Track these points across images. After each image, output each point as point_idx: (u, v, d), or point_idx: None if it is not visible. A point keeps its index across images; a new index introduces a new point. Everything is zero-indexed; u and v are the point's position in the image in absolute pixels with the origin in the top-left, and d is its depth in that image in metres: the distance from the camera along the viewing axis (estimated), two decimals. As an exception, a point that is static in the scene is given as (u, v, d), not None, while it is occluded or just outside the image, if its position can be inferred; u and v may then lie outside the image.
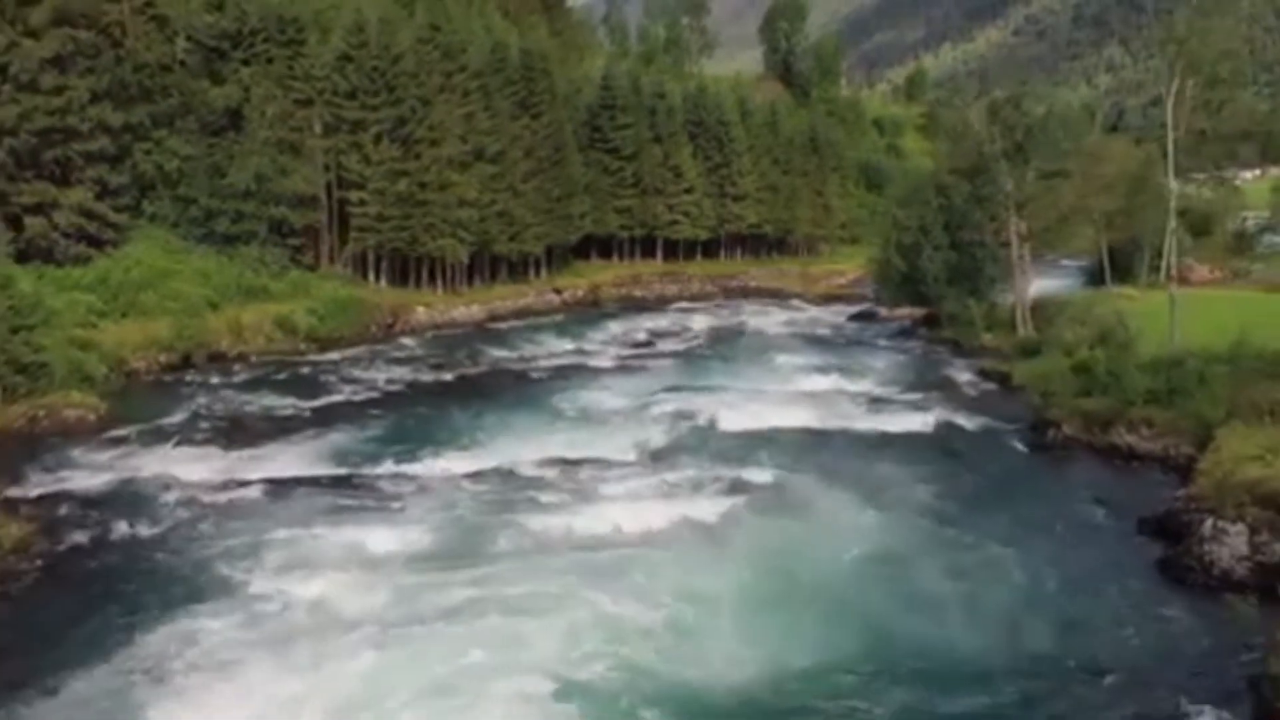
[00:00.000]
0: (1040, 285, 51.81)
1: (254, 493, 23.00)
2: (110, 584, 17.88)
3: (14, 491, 22.82)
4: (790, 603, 16.53)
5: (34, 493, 22.88)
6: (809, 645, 14.91)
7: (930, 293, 40.92)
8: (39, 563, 18.86)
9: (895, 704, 13.37)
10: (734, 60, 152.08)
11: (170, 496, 22.77)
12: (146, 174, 47.13)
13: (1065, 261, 65.66)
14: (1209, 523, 18.21)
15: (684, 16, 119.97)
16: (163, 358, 39.50)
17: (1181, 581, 17.44)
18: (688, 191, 72.21)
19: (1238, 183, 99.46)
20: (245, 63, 50.29)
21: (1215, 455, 20.58)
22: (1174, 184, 32.70)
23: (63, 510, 21.79)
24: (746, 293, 68.56)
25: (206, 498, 22.67)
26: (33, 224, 40.88)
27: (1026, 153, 36.68)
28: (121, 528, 20.77)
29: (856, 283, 68.99)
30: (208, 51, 50.18)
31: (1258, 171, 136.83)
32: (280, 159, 49.24)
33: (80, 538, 20.22)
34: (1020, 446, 26.40)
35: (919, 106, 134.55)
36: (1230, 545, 17.61)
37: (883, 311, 52.11)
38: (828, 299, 64.23)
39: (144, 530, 20.70)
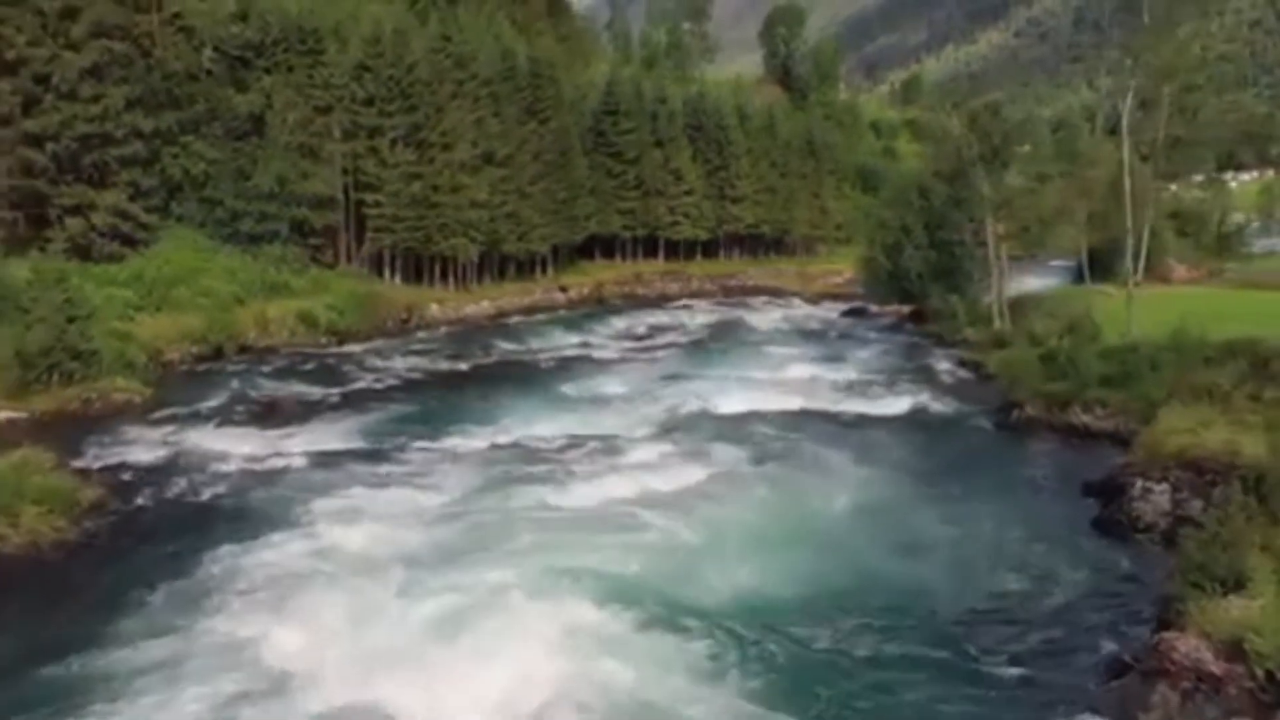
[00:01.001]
0: (1028, 283, 54.48)
1: (295, 462, 25.64)
2: (177, 532, 20.44)
3: (81, 462, 25.37)
4: (779, 542, 19.07)
5: (98, 463, 25.47)
6: (796, 573, 17.46)
7: (912, 289, 43.54)
8: (114, 518, 21.48)
9: (865, 615, 15.92)
10: (735, 63, 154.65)
11: (220, 465, 25.42)
12: (175, 177, 49.74)
13: (1055, 262, 68.22)
14: (1139, 484, 20.82)
15: (685, 22, 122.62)
16: (195, 349, 42.14)
17: (1113, 533, 20.01)
18: (688, 193, 74.89)
19: (1235, 185, 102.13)
20: (268, 71, 52.97)
21: (1153, 429, 23.16)
22: (1129, 185, 35.07)
23: (126, 477, 24.41)
24: (745, 291, 71.21)
25: (253, 466, 25.33)
26: (72, 224, 43.54)
27: (1003, 157, 39.23)
28: (180, 490, 23.46)
29: (851, 282, 71.41)
30: (232, 61, 52.82)
31: (1255, 174, 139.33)
32: (301, 163, 51.97)
33: (146, 498, 22.87)
34: (987, 425, 29.03)
35: (916, 110, 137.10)
36: (1154, 502, 20.22)
37: (873, 308, 54.72)
38: (822, 297, 66.80)
39: (201, 492, 23.37)
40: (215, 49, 52.59)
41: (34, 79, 42.08)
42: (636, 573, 17.15)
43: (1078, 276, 62.86)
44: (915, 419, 29.92)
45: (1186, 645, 14.00)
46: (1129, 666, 14.38)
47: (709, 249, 78.72)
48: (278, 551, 18.80)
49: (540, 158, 62.97)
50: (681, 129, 75.92)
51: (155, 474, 24.70)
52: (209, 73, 52.14)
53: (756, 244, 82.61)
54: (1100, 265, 56.59)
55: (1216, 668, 13.69)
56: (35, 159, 42.31)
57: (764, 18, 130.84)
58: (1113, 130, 61.76)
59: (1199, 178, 76.20)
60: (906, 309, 50.12)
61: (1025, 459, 25.64)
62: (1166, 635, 14.36)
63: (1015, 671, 14.52)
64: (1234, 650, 13.64)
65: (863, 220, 61.11)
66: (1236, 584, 14.64)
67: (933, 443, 27.28)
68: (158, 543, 19.87)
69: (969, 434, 28.45)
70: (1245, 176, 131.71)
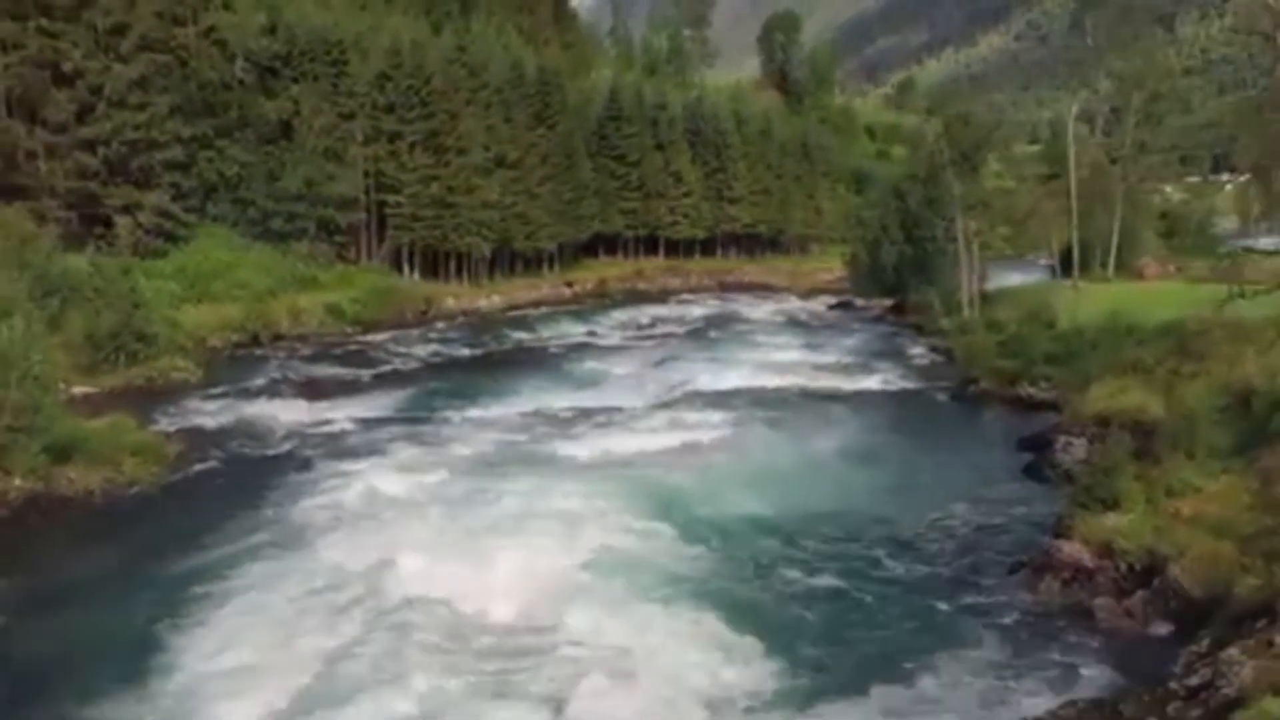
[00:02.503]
0: (1012, 279, 58.20)
1: (341, 426, 29.57)
2: (251, 478, 24.29)
3: (156, 428, 29.25)
4: (761, 481, 22.89)
5: (171, 428, 29.34)
6: (774, 502, 21.34)
7: (889, 282, 47.40)
8: (197, 467, 25.39)
9: (832, 531, 19.75)
10: (736, 67, 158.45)
11: (276, 429, 29.35)
12: (210, 179, 53.67)
13: (1043, 261, 71.97)
14: (1062, 439, 24.72)
15: (686, 29, 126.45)
16: (235, 337, 46.04)
17: (1038, 477, 23.84)
18: (687, 195, 78.84)
19: (1230, 187, 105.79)
20: (295, 80, 56.87)
21: (1083, 397, 27.04)
22: (1073, 187, 38.79)
23: (197, 438, 28.27)
24: (741, 287, 75.12)
25: (304, 430, 29.25)
26: (121, 223, 47.44)
27: (974, 161, 43.05)
28: (246, 447, 27.41)
29: (842, 279, 75.15)
30: (262, 71, 56.67)
31: (1250, 176, 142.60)
32: (327, 166, 55.89)
33: (219, 453, 26.79)
34: (947, 398, 32.93)
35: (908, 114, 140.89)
36: (1072, 452, 24.06)
37: (859, 302, 58.59)
38: (814, 292, 70.58)
39: (264, 449, 27.32)
40: (247, 60, 56.42)
41: (89, 89, 45.96)
42: (639, 502, 21.00)
43: (1061, 273, 66.80)
44: (885, 392, 33.82)
45: (1070, 548, 17.97)
46: (1026, 564, 18.32)
47: (707, 247, 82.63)
48: (336, 493, 22.58)
49: (547, 161, 66.87)
50: (681, 133, 79.85)
51: (221, 435, 28.65)
52: (241, 82, 56.00)
53: (753, 243, 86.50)
54: (1075, 262, 60.46)
55: (1091, 563, 17.65)
56: (88, 163, 46.19)
57: (763, 22, 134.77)
58: (1108, 133, 65.73)
59: (1194, 179, 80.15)
60: (889, 302, 53.97)
61: (976, 423, 29.54)
62: (1056, 541, 18.31)
63: (947, 570, 18.43)
64: (1105, 550, 17.59)
65: (850, 220, 65.03)
66: (1113, 504, 18.55)
67: (898, 410, 31.19)
68: (237, 485, 23.81)
69: (930, 404, 32.36)
70: (1242, 179, 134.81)
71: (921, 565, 18.72)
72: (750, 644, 14.47)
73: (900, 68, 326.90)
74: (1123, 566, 17.39)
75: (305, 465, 25.19)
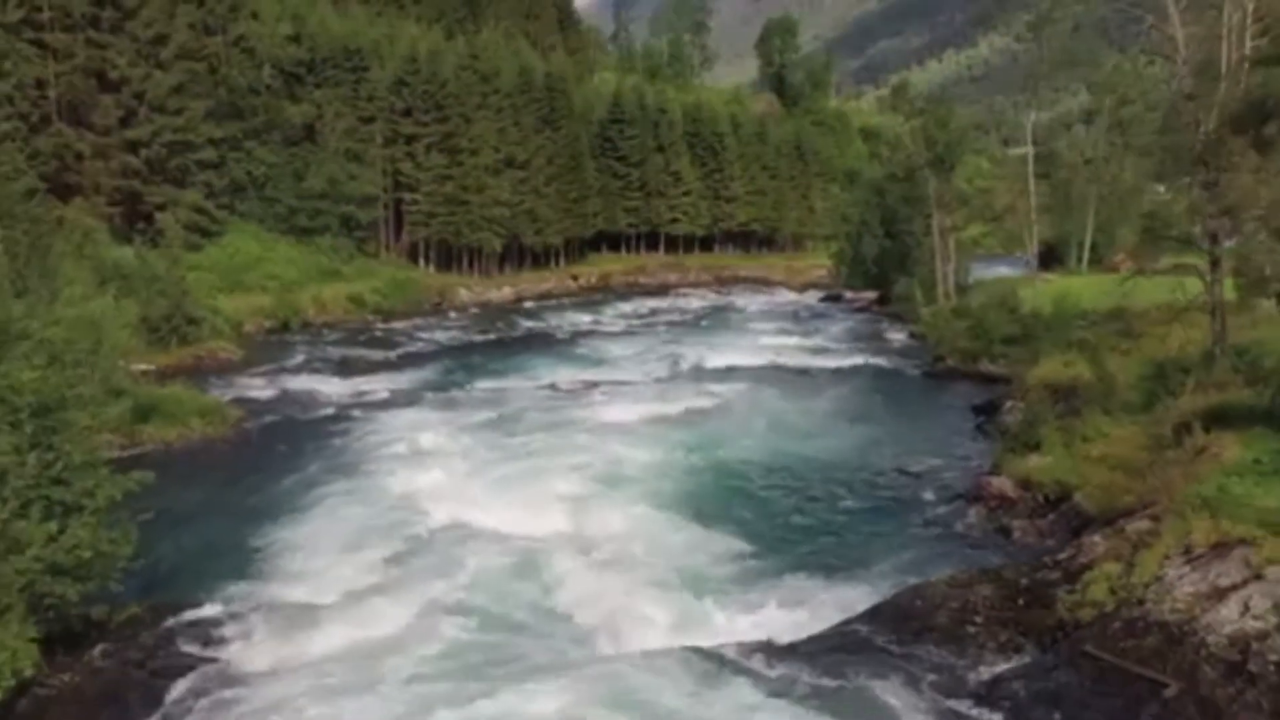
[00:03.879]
0: (1000, 272, 61.89)
1: (376, 396, 33.33)
2: (305, 436, 27.94)
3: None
4: (750, 436, 26.62)
5: (226, 397, 33.11)
6: (762, 451, 25.02)
7: (871, 275, 51.14)
8: (255, 427, 29.11)
9: (808, 473, 23.35)
10: (737, 67, 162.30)
11: (318, 399, 33.09)
12: (239, 178, 57.56)
13: (1030, 258, 75.68)
14: (1007, 404, 28.42)
15: (686, 34, 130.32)
16: (266, 323, 49.87)
17: (985, 435, 27.46)
18: (686, 194, 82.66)
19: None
20: (318, 86, 60.75)
21: (1031, 370, 30.76)
22: (1032, 187, 42.50)
23: (250, 405, 32.00)
24: (737, 281, 78.93)
25: (343, 398, 32.99)
26: (161, 219, 51.16)
27: (949, 161, 46.73)
28: (295, 412, 31.14)
29: (833, 273, 79.06)
30: (288, 76, 60.57)
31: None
32: (348, 166, 59.74)
33: (271, 417, 30.52)
34: (917, 374, 36.68)
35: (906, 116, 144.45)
36: (1014, 414, 27.76)
37: (847, 294, 62.30)
38: (806, 287, 74.34)
39: (311, 414, 31.02)
40: (273, 67, 60.34)
41: (132, 95, 49.75)
42: (642, 450, 24.73)
43: (1037, 267, 70.60)
44: (862, 369, 37.56)
45: (998, 482, 21.74)
46: (960, 496, 22.05)
47: (705, 244, 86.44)
48: (380, 444, 26.29)
49: (554, 162, 70.69)
50: (681, 136, 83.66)
51: (271, 403, 32.42)
52: (268, 87, 59.90)
53: (749, 240, 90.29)
54: (1055, 257, 64.22)
55: (1013, 494, 21.39)
56: (132, 163, 49.97)
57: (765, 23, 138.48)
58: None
59: (1187, 180, 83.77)
60: (874, 294, 57.67)
61: (939, 394, 33.26)
62: (988, 478, 22.06)
63: (899, 499, 22.08)
64: (1025, 484, 21.31)
65: (835, 216, 68.78)
66: (1035, 448, 22.30)
67: (873, 383, 34.94)
68: (292, 439, 27.53)
69: (902, 378, 36.11)
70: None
71: (880, 494, 22.46)
72: (730, 541, 18.23)
73: (903, 68, 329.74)
74: (1039, 496, 21.12)
75: (349, 425, 28.94)
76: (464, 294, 62.21)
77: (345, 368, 39.45)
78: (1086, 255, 62.69)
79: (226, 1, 57.90)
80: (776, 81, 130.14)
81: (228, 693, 13.30)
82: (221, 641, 14.98)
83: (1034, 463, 21.76)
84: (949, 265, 47.54)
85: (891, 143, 57.89)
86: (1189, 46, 22.95)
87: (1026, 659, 13.02)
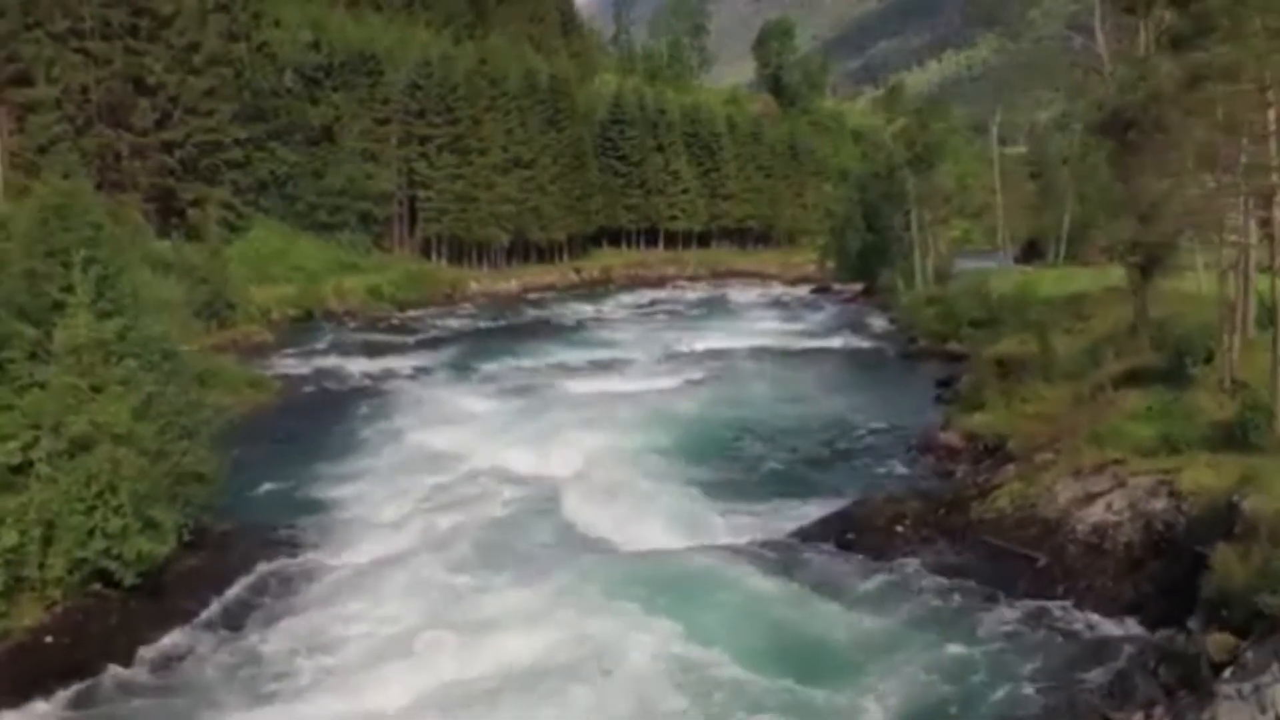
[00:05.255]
0: (986, 266, 65.46)
1: (401, 372, 37.04)
2: (343, 403, 31.58)
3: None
4: (740, 403, 30.28)
5: (268, 373, 36.80)
6: (750, 414, 28.72)
7: (855, 267, 54.81)
8: (299, 395, 32.86)
9: (788, 433, 27.01)
10: (736, 67, 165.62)
11: (350, 374, 36.82)
12: (263, 176, 61.16)
13: (1002, 253, 79.32)
14: (965, 376, 32.12)
15: (685, 37, 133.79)
16: (292, 311, 53.44)
17: (944, 403, 31.20)
18: (684, 192, 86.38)
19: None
20: (336, 89, 64.40)
21: (989, 348, 34.44)
22: (999, 183, 46.10)
23: (290, 380, 35.73)
24: (733, 274, 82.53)
25: (372, 374, 36.70)
26: (193, 214, 54.82)
27: (927, 160, 50.29)
28: (331, 384, 34.94)
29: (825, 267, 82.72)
30: (308, 80, 64.16)
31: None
32: (365, 165, 63.43)
33: (310, 388, 34.27)
34: (892, 353, 40.40)
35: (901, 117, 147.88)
36: (967, 383, 31.48)
37: (836, 286, 65.94)
38: (798, 280, 77.86)
39: (345, 385, 34.81)
40: (294, 71, 63.94)
41: (167, 99, 53.39)
42: (642, 411, 28.41)
43: (1016, 260, 74.35)
44: (843, 350, 41.31)
45: (946, 435, 25.45)
46: (915, 447, 25.75)
47: (703, 240, 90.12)
48: (410, 409, 29.98)
49: (558, 161, 74.37)
50: (679, 136, 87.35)
51: (308, 377, 36.15)
52: (289, 91, 63.50)
53: (745, 236, 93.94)
54: (1037, 252, 67.86)
55: (959, 445, 25.06)
56: (167, 162, 53.59)
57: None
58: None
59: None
60: (860, 286, 61.33)
61: (910, 369, 36.97)
62: (937, 432, 25.76)
63: (863, 449, 25.84)
64: (970, 437, 24.97)
65: (821, 211, 72.45)
66: (980, 407, 25.99)
67: (851, 361, 38.69)
68: (334, 405, 31.28)
69: (878, 357, 39.88)
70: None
71: (847, 446, 26.23)
72: (717, 477, 21.97)
73: (903, 68, 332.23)
74: (980, 446, 24.79)
75: (381, 394, 32.66)
76: (474, 286, 65.90)
77: (370, 349, 43.10)
78: (1064, 250, 66.24)
79: (251, 10, 61.54)
80: (773, 82, 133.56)
81: (305, 580, 16.99)
82: (299, 547, 18.68)
83: (978, 419, 25.46)
84: (928, 258, 51.14)
85: (875, 143, 61.45)
86: (1113, 62, 26.61)
87: (940, 547, 16.73)
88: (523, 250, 72.99)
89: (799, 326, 48.93)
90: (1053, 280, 43.10)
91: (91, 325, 15.51)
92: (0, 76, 46.25)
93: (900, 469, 23.98)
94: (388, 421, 28.37)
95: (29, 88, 46.58)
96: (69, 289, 16.45)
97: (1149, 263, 24.16)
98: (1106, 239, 39.65)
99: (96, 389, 15.01)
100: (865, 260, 54.80)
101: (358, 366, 38.61)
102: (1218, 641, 11.55)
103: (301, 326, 50.92)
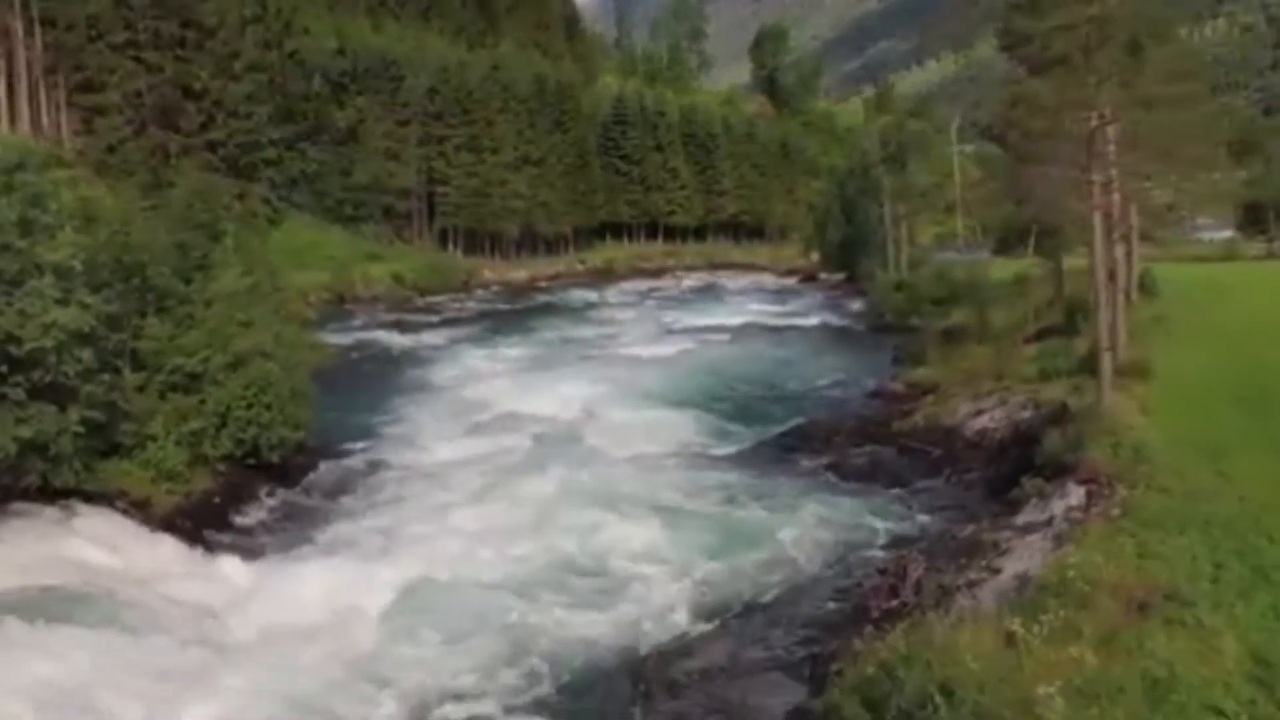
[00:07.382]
0: (963, 259, 70.88)
1: (432, 343, 42.54)
2: (390, 365, 37.17)
3: (305, 343, 42.18)
4: (727, 365, 35.67)
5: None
6: (735, 373, 33.96)
7: (835, 257, 60.31)
8: (352, 360, 38.30)
9: (766, 386, 32.49)
10: (737, 69, 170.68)
11: (390, 346, 42.35)
12: (294, 174, 66.70)
13: (962, 246, 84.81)
14: (916, 341, 37.65)
15: (684, 40, 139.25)
16: (325, 296, 58.99)
17: (898, 362, 36.69)
18: (681, 188, 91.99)
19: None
20: (360, 93, 69.92)
21: (943, 320, 39.96)
22: (959, 180, 51.50)
23: (340, 348, 41.12)
24: (727, 265, 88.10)
25: (408, 346, 42.22)
26: (237, 208, 60.26)
27: (902, 159, 55.75)
28: (375, 351, 40.45)
29: (814, 261, 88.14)
30: (334, 85, 69.70)
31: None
32: (387, 164, 68.97)
33: (358, 356, 39.76)
34: (862, 329, 45.95)
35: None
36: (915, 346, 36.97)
37: (822, 276, 71.43)
38: (788, 272, 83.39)
39: (389, 353, 40.31)
40: (322, 76, 69.46)
41: (212, 103, 58.92)
42: (642, 374, 33.90)
43: (993, 253, 79.96)
44: (820, 326, 46.86)
45: (894, 385, 30.95)
46: (869, 394, 31.25)
47: (699, 234, 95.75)
48: (447, 370, 35.55)
49: (564, 159, 79.96)
50: (678, 136, 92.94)
51: (354, 347, 41.63)
52: (317, 94, 69.01)
53: (739, 230, 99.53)
54: (1012, 245, 73.34)
55: (903, 391, 30.52)
56: (212, 160, 59.09)
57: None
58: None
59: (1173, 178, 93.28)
60: (843, 275, 66.81)
61: (875, 340, 42.44)
62: (887, 382, 31.28)
63: (827, 398, 31.21)
64: (913, 385, 30.44)
65: (805, 205, 77.95)
66: (922, 363, 31.54)
67: (826, 335, 44.22)
68: (381, 369, 36.78)
69: (850, 331, 45.43)
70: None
71: (814, 396, 31.66)
72: (704, 414, 27.44)
73: (901, 68, 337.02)
74: (919, 391, 30.24)
75: (420, 361, 38.19)
76: (487, 274, 71.44)
77: (403, 326, 48.64)
78: (1032, 243, 71.50)
79: (283, 19, 67.03)
80: (769, 84, 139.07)
81: (383, 470, 22.52)
82: (376, 455, 24.19)
83: (920, 372, 30.99)
84: (902, 249, 56.58)
85: (852, 140, 66.94)
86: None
87: (867, 449, 22.24)
88: (531, 242, 78.56)
89: (784, 308, 54.44)
90: (1001, 266, 48.65)
91: (236, 279, 21.05)
92: (69, 84, 51.79)
93: (854, 409, 29.45)
94: (428, 381, 33.88)
95: (95, 93, 52.11)
96: (206, 255, 22.06)
97: (1054, 246, 29.61)
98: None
99: (243, 325, 20.54)
100: (845, 251, 60.24)
101: (395, 340, 44.13)
102: (1035, 485, 17.03)
103: (334, 309, 56.39)
